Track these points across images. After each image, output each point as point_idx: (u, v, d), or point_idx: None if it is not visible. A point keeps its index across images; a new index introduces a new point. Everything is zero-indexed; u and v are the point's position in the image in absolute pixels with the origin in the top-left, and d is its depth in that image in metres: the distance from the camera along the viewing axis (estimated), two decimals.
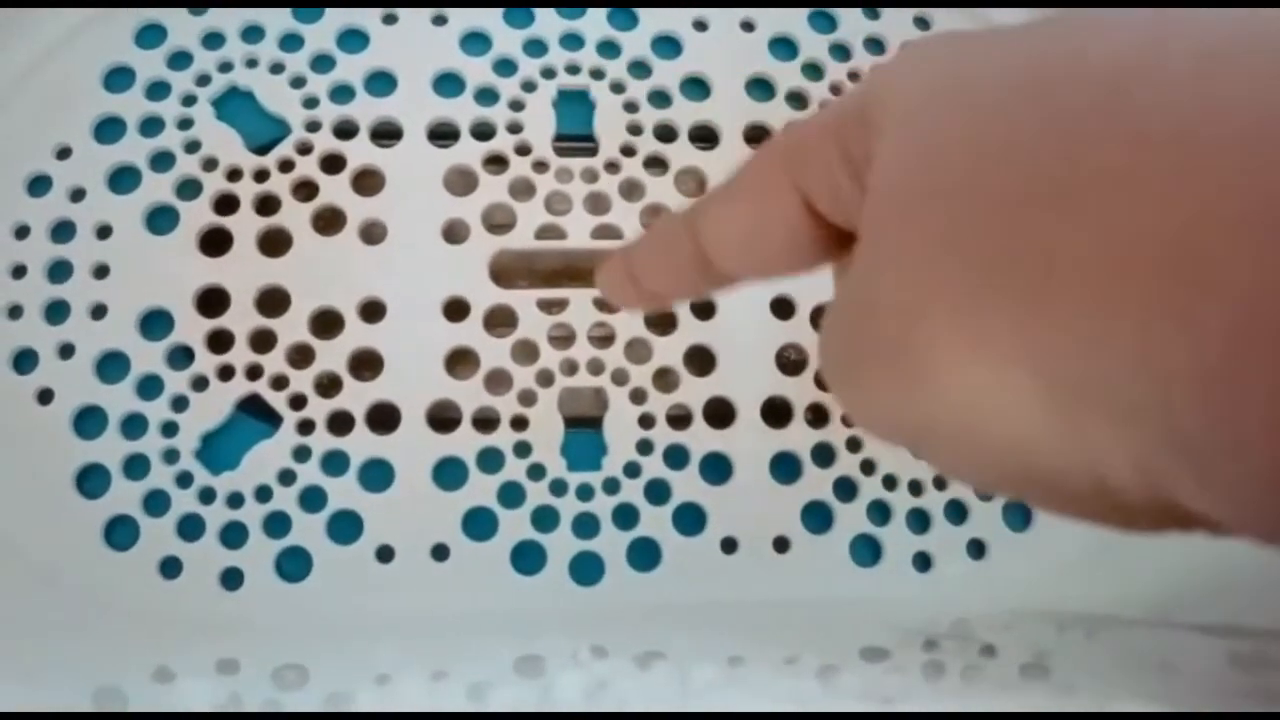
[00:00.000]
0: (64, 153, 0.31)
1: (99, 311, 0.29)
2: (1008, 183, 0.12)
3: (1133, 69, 0.11)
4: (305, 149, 0.31)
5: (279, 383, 0.29)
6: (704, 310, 0.31)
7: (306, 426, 0.29)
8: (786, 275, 0.17)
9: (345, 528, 0.28)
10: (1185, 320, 0.10)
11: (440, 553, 0.28)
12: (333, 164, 0.31)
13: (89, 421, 0.29)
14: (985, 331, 0.12)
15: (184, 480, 0.28)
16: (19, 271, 0.30)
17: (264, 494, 0.28)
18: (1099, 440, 0.11)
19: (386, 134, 0.32)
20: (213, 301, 0.30)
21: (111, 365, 0.29)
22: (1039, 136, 0.12)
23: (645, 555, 0.29)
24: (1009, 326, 0.12)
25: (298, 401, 0.29)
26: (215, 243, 0.30)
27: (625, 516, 0.29)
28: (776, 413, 0.30)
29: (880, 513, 0.30)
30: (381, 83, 0.32)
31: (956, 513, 0.30)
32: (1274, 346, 0.10)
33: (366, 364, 0.30)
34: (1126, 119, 0.11)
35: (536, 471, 0.29)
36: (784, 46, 0.34)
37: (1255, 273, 0.10)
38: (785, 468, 0.30)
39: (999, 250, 0.12)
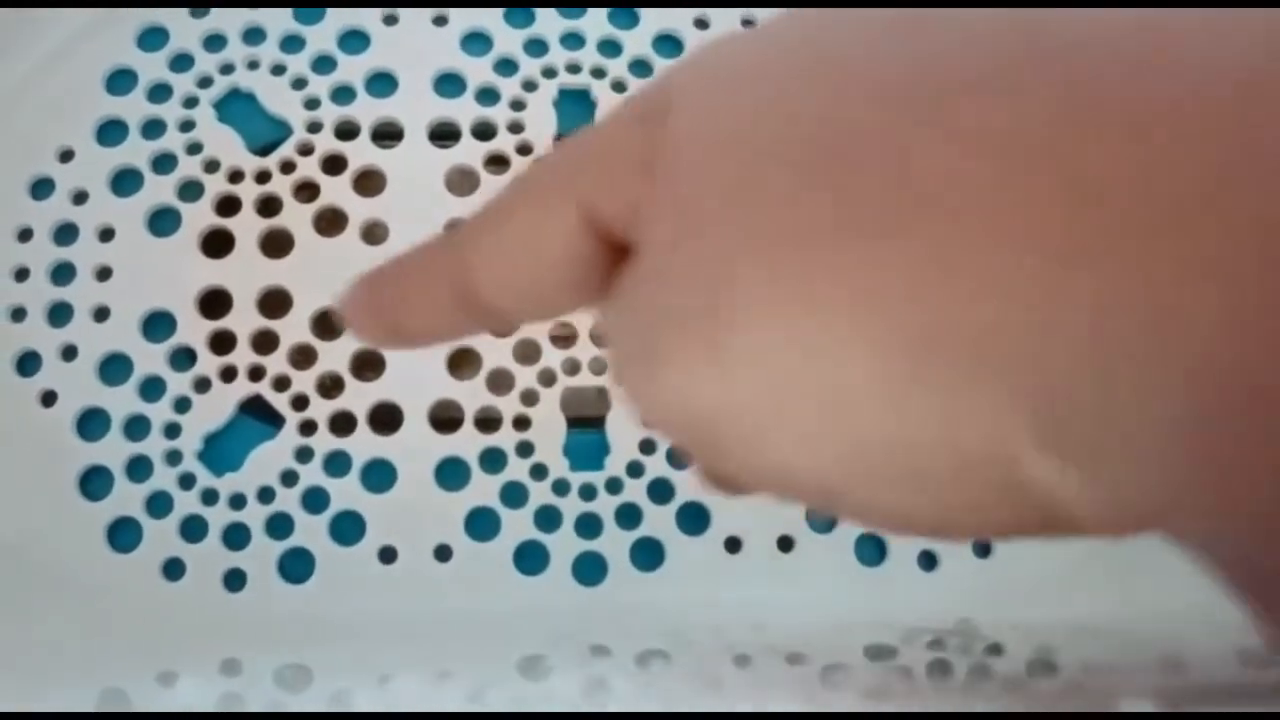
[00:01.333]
0: (66, 155, 0.31)
1: (101, 313, 0.29)
2: (829, 110, 0.10)
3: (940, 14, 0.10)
4: (306, 150, 0.31)
5: (281, 384, 0.29)
6: None
7: (309, 427, 0.29)
8: (569, 309, 0.14)
9: (348, 528, 0.28)
10: (1080, 244, 0.09)
11: (443, 553, 0.28)
12: (334, 165, 0.31)
13: (92, 423, 0.29)
14: (812, 287, 0.10)
15: (187, 482, 0.28)
16: (22, 274, 0.30)
17: (266, 495, 0.28)
18: (941, 402, 0.10)
19: (388, 134, 0.32)
20: (215, 303, 0.30)
21: (114, 367, 0.29)
22: (875, 46, 0.11)
23: (649, 555, 0.29)
24: (843, 279, 0.10)
25: (300, 402, 0.29)
26: (217, 244, 0.30)
27: (628, 516, 0.29)
28: None
29: None
30: (382, 83, 0.32)
31: None
32: (1181, 281, 0.08)
33: (368, 364, 0.30)
34: (953, 34, 0.10)
35: (539, 471, 0.29)
36: None
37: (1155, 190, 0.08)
38: None
39: (823, 188, 0.10)
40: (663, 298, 0.12)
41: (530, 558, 0.29)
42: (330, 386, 0.29)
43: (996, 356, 0.09)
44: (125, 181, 0.31)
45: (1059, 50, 0.09)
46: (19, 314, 0.29)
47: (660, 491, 0.29)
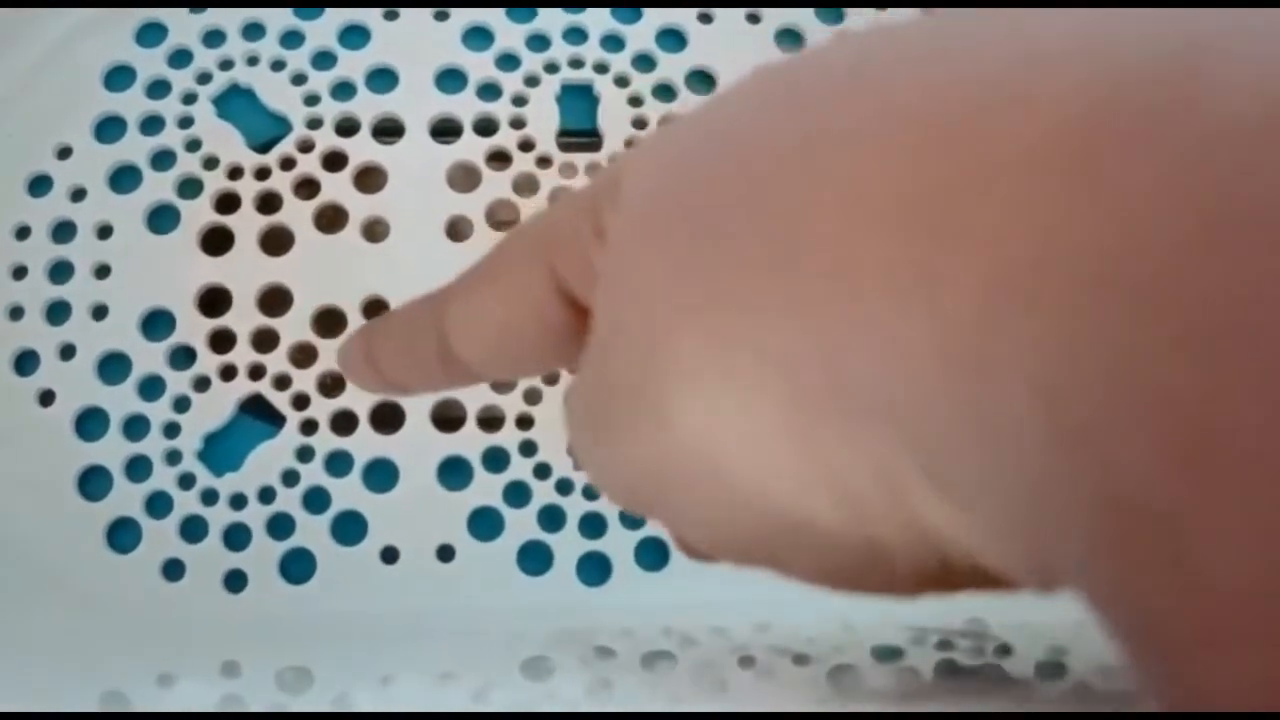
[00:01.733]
0: (65, 152, 0.30)
1: (100, 312, 0.29)
2: (728, 191, 0.11)
3: (870, 52, 0.11)
4: (307, 146, 0.31)
5: (282, 382, 0.29)
6: None
7: (310, 426, 0.29)
8: (543, 370, 0.15)
9: (349, 529, 0.28)
10: (930, 282, 0.09)
11: (445, 553, 0.28)
12: (334, 161, 0.31)
13: (90, 423, 0.29)
14: (726, 353, 0.11)
15: (186, 482, 0.28)
16: (20, 272, 0.29)
17: (267, 495, 0.28)
18: (838, 452, 0.10)
19: (388, 130, 0.31)
20: (214, 301, 0.30)
21: (113, 366, 0.29)
22: (766, 142, 0.11)
23: (653, 555, 0.29)
24: (749, 341, 0.11)
25: (300, 401, 0.29)
26: (217, 242, 0.30)
27: (632, 516, 0.29)
28: None
29: None
30: (383, 79, 0.32)
31: None
32: (1029, 308, 0.08)
33: None
34: (858, 98, 0.10)
35: (542, 470, 0.29)
36: (791, 38, 0.34)
37: (1002, 227, 0.09)
38: None
39: (727, 262, 0.11)
40: (604, 370, 0.13)
41: (534, 558, 0.28)
42: (331, 385, 0.29)
43: (880, 407, 0.10)
44: (124, 179, 0.30)
45: (914, 100, 0.10)
46: (17, 313, 0.29)
47: None
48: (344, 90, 0.32)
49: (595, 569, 0.28)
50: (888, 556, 0.11)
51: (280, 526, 0.28)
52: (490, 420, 0.29)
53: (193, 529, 0.28)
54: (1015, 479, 0.09)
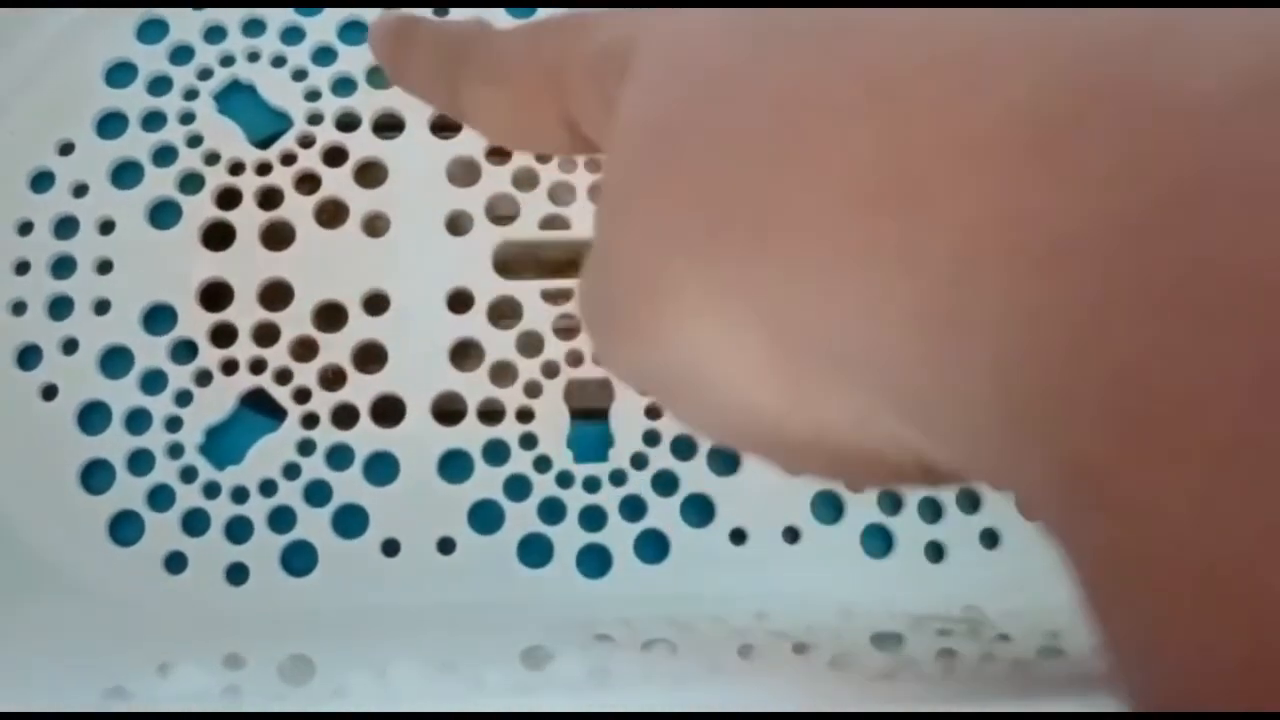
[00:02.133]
0: (66, 148, 0.31)
1: (102, 307, 0.29)
2: (736, 121, 0.11)
3: (858, 18, 0.11)
4: (307, 142, 0.31)
5: (283, 376, 0.29)
6: None
7: (311, 420, 0.29)
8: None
9: (350, 521, 0.28)
10: (905, 252, 0.09)
11: (446, 546, 0.28)
12: (335, 157, 0.31)
13: (93, 417, 0.29)
14: (716, 281, 0.11)
15: (188, 475, 0.28)
16: (22, 267, 0.29)
17: (269, 488, 0.28)
18: (819, 394, 0.11)
19: (389, 126, 0.32)
20: (216, 296, 0.30)
21: (115, 360, 0.29)
22: (769, 76, 0.11)
23: (654, 547, 0.29)
24: (736, 275, 0.11)
25: (302, 395, 0.29)
26: (218, 237, 0.30)
27: (633, 508, 0.29)
28: None
29: (891, 502, 0.30)
30: (383, 75, 0.32)
31: (969, 502, 0.30)
32: (1001, 270, 0.09)
33: (371, 357, 0.30)
34: (852, 54, 0.11)
35: (543, 464, 0.29)
36: None
37: (970, 201, 0.09)
38: None
39: (727, 193, 0.11)
40: (606, 283, 0.14)
41: (534, 550, 0.28)
42: (332, 379, 0.29)
43: (859, 361, 0.11)
44: (125, 174, 0.31)
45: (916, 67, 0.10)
46: (19, 308, 0.29)
47: (665, 484, 0.29)
48: (344, 86, 0.32)
49: (595, 561, 0.28)
50: (862, 468, 0.13)
51: (282, 519, 0.28)
52: (491, 414, 0.29)
53: (195, 522, 0.28)
54: (984, 428, 0.09)
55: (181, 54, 0.32)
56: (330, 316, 0.30)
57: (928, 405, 0.10)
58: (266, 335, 0.29)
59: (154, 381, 0.29)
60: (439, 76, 0.17)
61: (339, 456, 0.29)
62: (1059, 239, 0.08)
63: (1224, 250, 0.07)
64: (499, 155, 0.32)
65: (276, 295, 0.30)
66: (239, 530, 0.28)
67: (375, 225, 0.31)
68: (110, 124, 0.31)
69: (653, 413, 0.30)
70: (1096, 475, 0.08)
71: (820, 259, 0.10)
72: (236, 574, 0.28)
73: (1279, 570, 0.07)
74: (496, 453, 0.29)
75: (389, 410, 0.29)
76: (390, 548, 0.28)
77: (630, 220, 0.13)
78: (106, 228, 0.30)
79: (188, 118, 0.31)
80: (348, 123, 0.31)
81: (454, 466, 0.29)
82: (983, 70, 0.09)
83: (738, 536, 0.29)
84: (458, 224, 0.31)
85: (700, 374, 0.12)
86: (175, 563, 0.28)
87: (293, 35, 0.32)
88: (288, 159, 0.31)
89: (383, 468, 0.29)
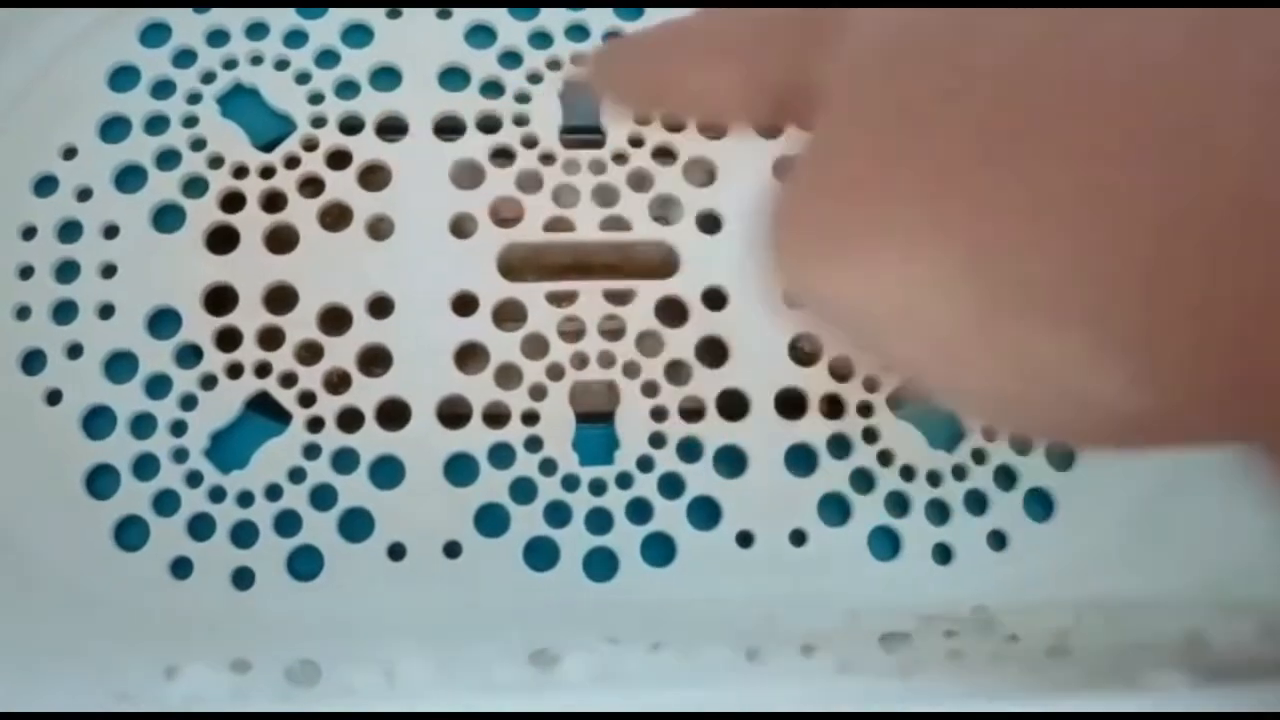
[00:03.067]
0: (70, 153, 0.31)
1: (107, 311, 0.29)
2: (983, 66, 0.12)
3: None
4: (311, 145, 0.31)
5: (288, 380, 0.29)
6: (716, 301, 0.31)
7: (316, 424, 0.29)
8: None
9: (356, 525, 0.28)
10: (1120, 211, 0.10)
11: (452, 549, 0.28)
12: (339, 160, 0.31)
13: (98, 421, 0.29)
14: (939, 222, 0.12)
15: (194, 479, 0.28)
16: (26, 272, 0.29)
17: (274, 492, 0.28)
18: (1036, 348, 0.12)
19: (392, 129, 0.32)
20: (220, 299, 0.30)
21: (120, 365, 0.29)
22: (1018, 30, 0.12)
23: (659, 550, 0.29)
24: (963, 224, 0.12)
25: (307, 399, 0.29)
26: (222, 240, 0.30)
27: (639, 511, 0.29)
28: (790, 404, 0.30)
29: (898, 504, 0.29)
30: (386, 77, 0.32)
31: (976, 504, 0.30)
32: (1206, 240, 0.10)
33: (376, 360, 0.30)
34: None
35: (548, 466, 0.29)
36: None
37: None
38: (800, 460, 0.30)
39: (957, 140, 0.12)
40: (821, 204, 0.13)
41: (540, 554, 0.28)
42: (337, 382, 0.29)
43: (1066, 305, 0.11)
44: (129, 178, 0.31)
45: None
46: (24, 312, 0.29)
47: (671, 486, 0.29)
48: (348, 89, 0.32)
49: (602, 564, 0.28)
50: (1054, 407, 0.13)
51: (287, 523, 0.28)
52: (496, 417, 0.29)
53: (200, 527, 0.28)
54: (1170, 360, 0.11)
55: (185, 57, 0.32)
56: (335, 320, 0.30)
57: (1129, 350, 0.11)
58: (271, 339, 0.29)
59: (158, 386, 0.29)
60: (644, 88, 0.18)
61: (344, 460, 0.29)
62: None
63: None
64: (503, 157, 0.31)
65: (281, 299, 0.30)
66: (244, 534, 0.28)
67: (379, 228, 0.31)
68: (113, 128, 0.31)
69: (658, 415, 0.29)
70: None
71: (1043, 218, 0.11)
72: (242, 578, 0.28)
73: None
74: (502, 456, 0.29)
75: (394, 413, 0.29)
76: (396, 551, 0.28)
77: (840, 176, 0.13)
78: (110, 232, 0.30)
79: (191, 121, 0.31)
80: (351, 126, 0.31)
81: (459, 469, 0.29)
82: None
83: (744, 539, 0.29)
84: (462, 227, 0.31)
85: (908, 310, 0.13)
86: (181, 567, 0.28)
87: (296, 38, 0.32)
88: (291, 162, 0.31)
89: (388, 471, 0.29)
